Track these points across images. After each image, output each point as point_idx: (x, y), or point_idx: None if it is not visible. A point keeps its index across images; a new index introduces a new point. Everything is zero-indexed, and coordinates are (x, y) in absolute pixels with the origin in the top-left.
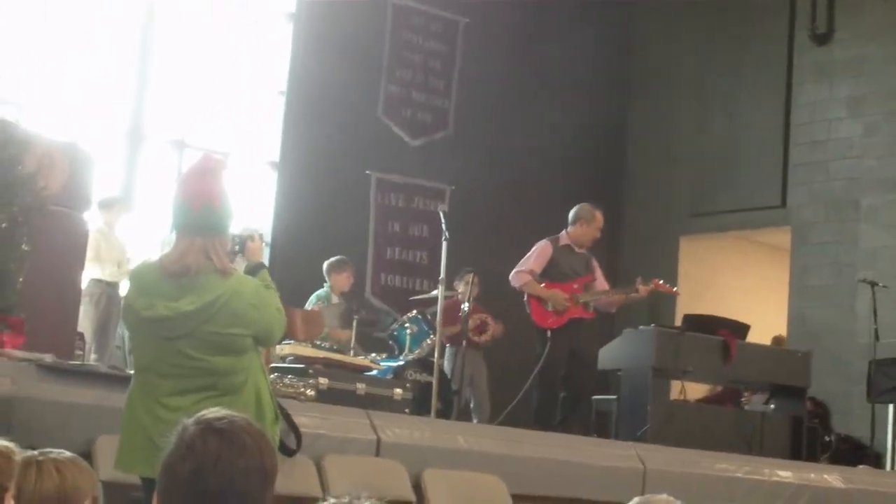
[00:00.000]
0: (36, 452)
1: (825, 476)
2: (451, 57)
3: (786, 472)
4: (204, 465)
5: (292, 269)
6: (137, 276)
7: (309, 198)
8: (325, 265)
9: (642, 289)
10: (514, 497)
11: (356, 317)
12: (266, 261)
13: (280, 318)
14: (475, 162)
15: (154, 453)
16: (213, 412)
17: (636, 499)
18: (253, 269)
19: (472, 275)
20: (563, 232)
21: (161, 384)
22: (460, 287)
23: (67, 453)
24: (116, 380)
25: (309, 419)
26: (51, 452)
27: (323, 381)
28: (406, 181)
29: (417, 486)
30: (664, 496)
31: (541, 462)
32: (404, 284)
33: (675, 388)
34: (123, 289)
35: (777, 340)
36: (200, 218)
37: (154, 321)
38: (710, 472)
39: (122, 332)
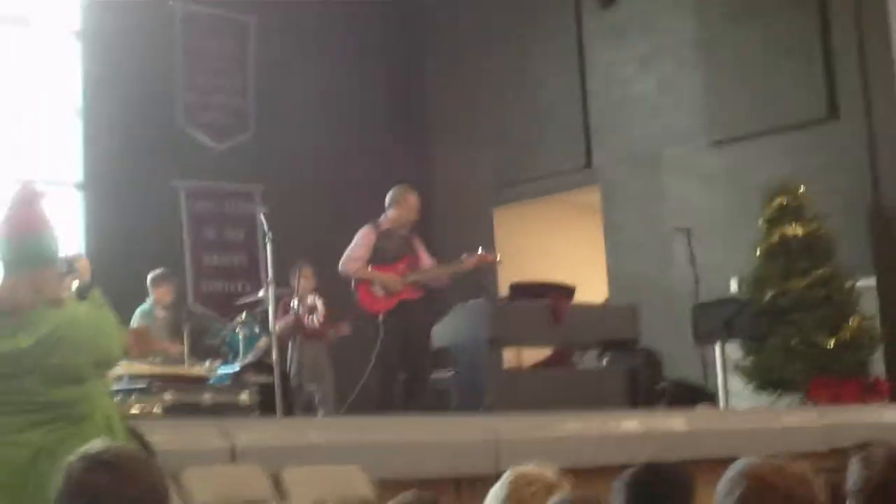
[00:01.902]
0: None
1: (668, 421)
2: (244, 58)
3: (632, 423)
4: (96, 499)
5: (111, 289)
6: None
7: (118, 214)
8: (148, 280)
9: (468, 261)
10: (376, 483)
11: (185, 327)
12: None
13: (118, 339)
14: (281, 160)
15: (14, 492)
16: (94, 447)
17: (505, 475)
18: (84, 290)
19: (302, 268)
20: (382, 216)
21: (10, 422)
22: (294, 282)
23: None
24: None
25: (160, 436)
26: None
27: (167, 396)
28: (215, 186)
29: (278, 487)
30: (531, 466)
31: (396, 445)
32: (226, 289)
33: (510, 358)
34: None
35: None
36: (26, 251)
37: None
38: (561, 433)
39: None
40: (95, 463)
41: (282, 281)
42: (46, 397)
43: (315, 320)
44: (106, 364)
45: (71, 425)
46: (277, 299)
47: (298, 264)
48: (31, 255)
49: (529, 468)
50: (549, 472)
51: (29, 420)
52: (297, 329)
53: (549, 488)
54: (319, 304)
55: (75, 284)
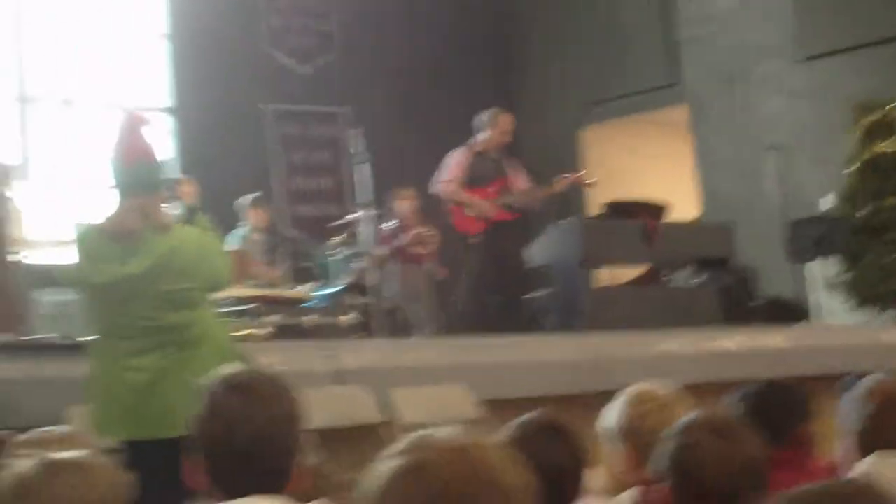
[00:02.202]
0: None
1: (767, 338)
2: None
3: (731, 340)
4: (233, 422)
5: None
6: (81, 243)
7: (208, 139)
8: (241, 203)
9: (560, 183)
10: (482, 403)
11: (282, 250)
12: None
13: (226, 263)
14: (367, 81)
15: (127, 415)
16: (229, 370)
17: (624, 392)
18: (189, 214)
19: (412, 191)
20: (476, 138)
21: (122, 347)
22: (403, 205)
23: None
24: (72, 349)
25: (267, 359)
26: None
27: (272, 319)
28: (302, 109)
29: (386, 408)
30: (650, 383)
31: (498, 366)
32: (315, 213)
33: (600, 278)
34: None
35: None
36: (136, 177)
37: (105, 287)
38: (661, 351)
39: (42, 300)
40: (231, 386)
41: (375, 203)
42: (159, 322)
43: (416, 243)
44: (215, 288)
45: (185, 349)
46: (374, 221)
47: (400, 187)
48: (140, 182)
49: (649, 385)
50: (668, 389)
51: (144, 344)
52: (396, 252)
53: (670, 404)
54: (420, 227)
55: (178, 209)
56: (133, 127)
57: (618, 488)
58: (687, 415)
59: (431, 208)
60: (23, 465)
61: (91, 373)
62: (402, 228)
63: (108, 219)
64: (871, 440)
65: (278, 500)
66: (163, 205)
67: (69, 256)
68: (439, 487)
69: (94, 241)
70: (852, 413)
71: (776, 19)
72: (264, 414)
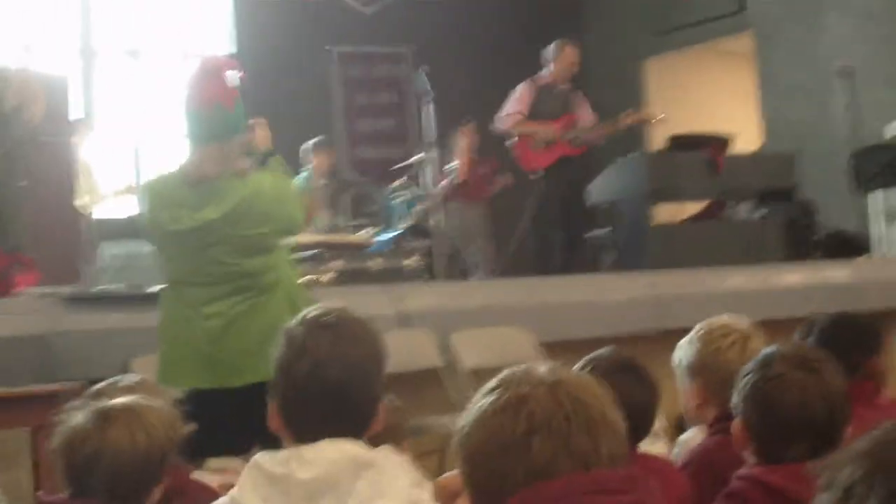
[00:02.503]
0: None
1: (832, 273)
2: None
3: (793, 276)
4: (320, 361)
5: None
6: (156, 190)
7: (272, 82)
8: (304, 148)
9: (629, 118)
10: (543, 345)
11: (345, 195)
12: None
13: (300, 207)
14: (431, 20)
15: (199, 362)
16: (315, 310)
17: (699, 326)
18: (264, 158)
19: (470, 127)
20: (543, 71)
21: (196, 293)
22: (462, 142)
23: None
24: (139, 299)
25: (332, 303)
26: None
27: (336, 263)
28: (366, 50)
29: (447, 351)
30: (726, 317)
31: (559, 307)
32: (379, 155)
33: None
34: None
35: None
36: (211, 123)
37: (181, 233)
38: (724, 288)
39: (106, 253)
40: (318, 326)
41: (439, 143)
42: (236, 268)
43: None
44: (290, 232)
45: (259, 295)
46: (436, 162)
47: (462, 123)
48: (218, 128)
49: (724, 319)
50: (743, 323)
51: (213, 292)
52: (455, 191)
53: (745, 339)
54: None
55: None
56: (210, 72)
57: (689, 424)
58: (763, 349)
59: (497, 146)
60: (78, 415)
61: (162, 320)
62: (460, 165)
63: (185, 165)
64: None
65: (358, 444)
66: (241, 150)
67: (137, 207)
68: (539, 420)
69: (171, 188)
70: None
71: None
72: (354, 352)
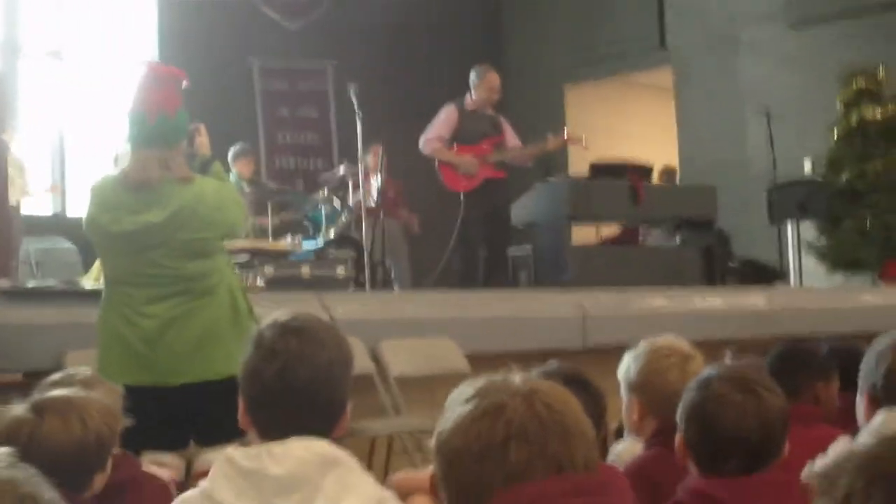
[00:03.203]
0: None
1: (749, 298)
2: None
3: (714, 299)
4: (288, 365)
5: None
6: (99, 192)
7: (193, 91)
8: (229, 154)
9: (552, 141)
10: (469, 357)
11: (270, 202)
12: None
13: (241, 212)
14: (354, 37)
15: (135, 360)
16: (282, 314)
17: (642, 343)
18: (205, 164)
19: (379, 147)
20: (467, 95)
21: (136, 294)
22: (369, 160)
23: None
24: (74, 296)
25: (263, 308)
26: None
27: (268, 269)
28: (288, 64)
29: (375, 359)
30: (667, 337)
31: (487, 320)
32: (299, 166)
33: (586, 234)
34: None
35: (666, 171)
36: (156, 129)
37: (122, 235)
38: (645, 309)
39: (26, 248)
40: (286, 329)
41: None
42: (176, 271)
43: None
44: (231, 236)
45: (198, 298)
46: (361, 176)
47: (374, 143)
48: (160, 133)
49: (668, 339)
50: (685, 344)
51: (158, 293)
52: (378, 207)
53: (686, 359)
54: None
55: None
56: (156, 78)
57: (628, 435)
58: (702, 370)
59: (424, 164)
60: (16, 407)
61: (100, 319)
62: (366, 181)
63: (127, 169)
64: (886, 396)
65: (326, 443)
66: (181, 155)
67: (58, 204)
68: (516, 428)
69: (112, 190)
70: (873, 367)
71: None
72: (322, 355)
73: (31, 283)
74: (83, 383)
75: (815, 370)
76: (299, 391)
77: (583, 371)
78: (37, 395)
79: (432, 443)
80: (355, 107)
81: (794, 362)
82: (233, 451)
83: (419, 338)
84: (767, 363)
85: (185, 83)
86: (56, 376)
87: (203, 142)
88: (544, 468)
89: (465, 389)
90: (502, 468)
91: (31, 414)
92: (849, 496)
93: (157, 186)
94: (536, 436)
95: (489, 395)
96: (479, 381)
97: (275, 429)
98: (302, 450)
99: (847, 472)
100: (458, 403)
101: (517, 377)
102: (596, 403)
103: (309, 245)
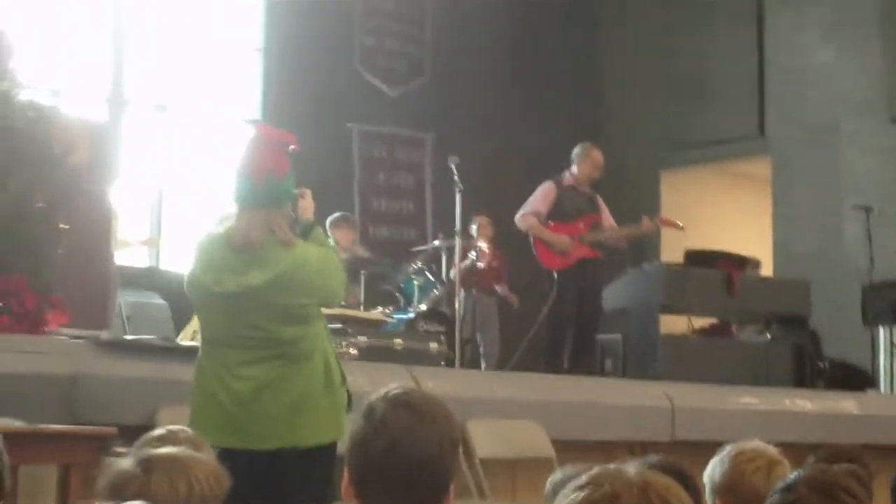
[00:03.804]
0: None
1: (840, 403)
2: (423, 3)
3: (804, 401)
4: (399, 440)
5: None
6: (203, 251)
7: (293, 156)
8: (327, 222)
9: (648, 224)
10: (553, 443)
11: (364, 272)
12: None
13: (341, 279)
14: (454, 108)
15: (226, 422)
16: (395, 389)
17: (728, 446)
18: (307, 229)
19: (485, 217)
20: (567, 172)
21: (231, 355)
22: (475, 230)
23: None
24: (170, 352)
25: (353, 378)
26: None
27: (362, 338)
28: (387, 131)
29: (463, 438)
30: (754, 441)
31: (575, 405)
32: (392, 235)
33: (677, 323)
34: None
35: (752, 263)
36: (263, 191)
37: (223, 296)
38: (735, 406)
39: (118, 301)
40: (398, 403)
41: (462, 233)
42: (274, 335)
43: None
44: (331, 304)
45: (293, 363)
46: (457, 250)
47: (476, 216)
48: (266, 196)
49: (755, 443)
50: (772, 449)
51: (254, 356)
52: (470, 279)
53: (772, 464)
54: (491, 254)
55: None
56: (267, 140)
57: None
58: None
59: (519, 241)
60: (123, 461)
61: (196, 378)
62: (479, 252)
63: (232, 229)
64: None
65: None
66: (285, 219)
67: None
68: None
69: (216, 249)
70: None
71: (869, 77)
72: (433, 434)
73: (130, 336)
74: (190, 442)
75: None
76: (408, 468)
77: (684, 465)
78: (144, 451)
79: None
80: (455, 177)
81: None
82: None
83: (505, 419)
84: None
85: (293, 147)
86: (159, 431)
87: (307, 206)
88: None
89: (573, 474)
90: None
91: (138, 469)
92: None
93: (260, 249)
94: None
95: (604, 484)
96: (592, 470)
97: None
98: None
99: None
100: (570, 490)
101: (631, 467)
102: (696, 499)
103: (399, 316)
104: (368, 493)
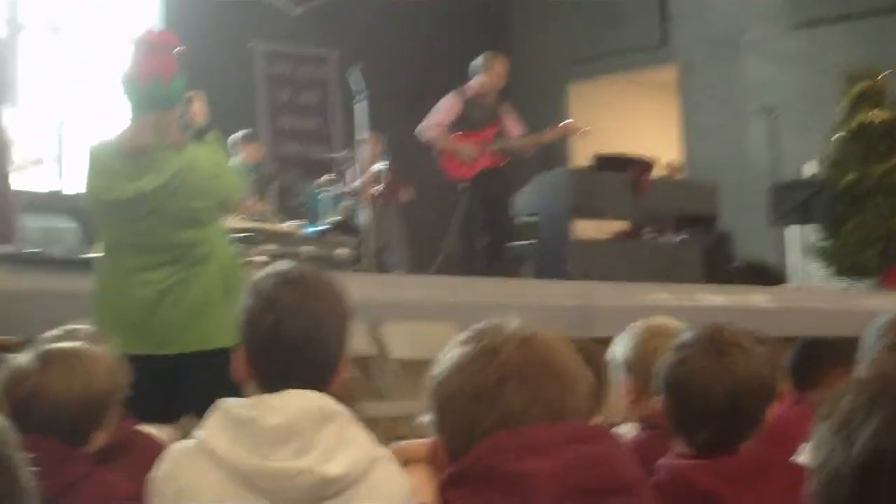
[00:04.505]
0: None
1: (752, 297)
2: None
3: (716, 296)
4: (286, 314)
5: None
6: (94, 158)
7: (196, 73)
8: (233, 139)
9: (553, 131)
10: None
11: (272, 186)
12: None
13: (237, 181)
14: (358, 26)
15: (130, 329)
16: (282, 265)
17: (636, 325)
18: (200, 133)
19: (375, 136)
20: (469, 83)
21: (129, 262)
22: (367, 150)
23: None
24: (73, 264)
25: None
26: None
27: (270, 247)
28: (291, 50)
29: (376, 341)
30: (663, 317)
31: (490, 307)
32: (300, 153)
33: (588, 228)
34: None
35: (671, 166)
36: (150, 94)
37: (116, 203)
38: (649, 303)
39: (24, 226)
40: (284, 279)
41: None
42: (169, 239)
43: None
44: (226, 206)
45: (192, 266)
46: (364, 160)
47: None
48: (156, 99)
49: (661, 318)
50: (677, 322)
51: (153, 260)
52: (383, 193)
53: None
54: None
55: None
56: (151, 45)
57: (624, 420)
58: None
59: (424, 153)
60: (21, 357)
61: (96, 287)
62: (363, 171)
63: (121, 135)
64: None
65: (324, 396)
66: (178, 122)
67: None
68: (511, 369)
69: (107, 156)
70: (876, 339)
71: None
72: (320, 307)
73: (30, 250)
74: (89, 338)
75: (835, 360)
76: (296, 342)
77: (591, 344)
78: (41, 346)
79: (427, 386)
80: (362, 87)
81: (813, 352)
82: (227, 402)
83: (420, 322)
84: (789, 357)
85: (179, 49)
86: (58, 331)
87: (200, 110)
88: (539, 413)
89: (463, 333)
90: (496, 410)
91: (35, 364)
92: (852, 412)
93: (151, 153)
94: (532, 378)
95: (485, 338)
96: (477, 325)
97: (272, 380)
98: (300, 401)
99: (849, 392)
100: (452, 346)
101: (514, 321)
102: (599, 374)
103: (311, 229)
104: (259, 369)
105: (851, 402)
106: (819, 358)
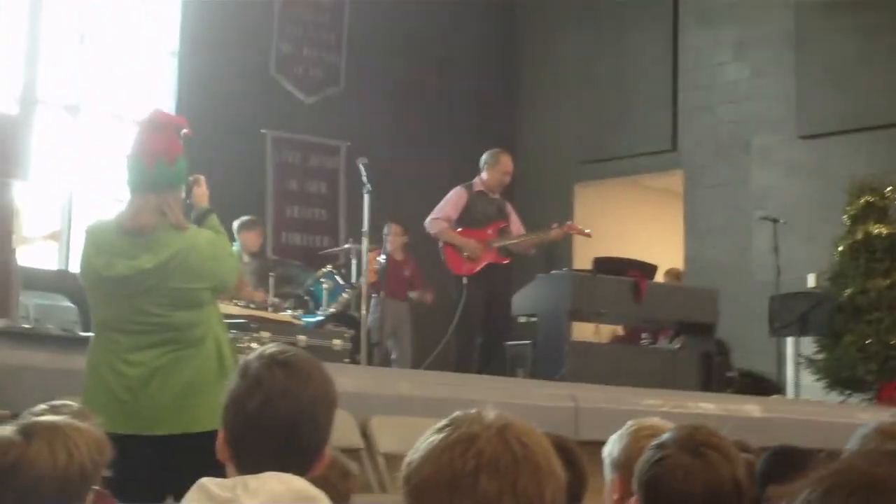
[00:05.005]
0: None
1: (744, 406)
2: (341, 11)
3: (708, 404)
4: (272, 397)
5: None
6: (94, 235)
7: (205, 158)
8: (235, 225)
9: (556, 231)
10: None
11: (272, 274)
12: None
13: (234, 265)
14: (369, 117)
15: (118, 408)
16: (272, 347)
17: (627, 425)
18: (201, 216)
19: (391, 225)
20: (477, 178)
21: (123, 340)
22: (388, 239)
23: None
24: (69, 341)
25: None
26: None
27: (265, 334)
28: (302, 139)
29: (365, 434)
30: (654, 419)
31: (479, 404)
32: (305, 242)
33: (586, 331)
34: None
35: (672, 273)
36: (153, 175)
37: (114, 280)
38: (638, 408)
39: (25, 303)
40: (273, 361)
41: (370, 236)
42: (164, 319)
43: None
44: (223, 289)
45: (184, 348)
46: (364, 253)
47: (388, 222)
48: (157, 179)
49: (654, 420)
50: (669, 424)
51: (140, 341)
52: (380, 285)
53: None
54: (403, 261)
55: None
56: (156, 125)
57: None
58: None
59: (430, 246)
60: (4, 428)
61: (88, 362)
62: (388, 260)
63: (122, 214)
64: None
65: (303, 480)
66: (180, 204)
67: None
68: (487, 459)
69: (107, 234)
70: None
71: (779, 95)
72: (307, 392)
73: (27, 325)
74: (74, 414)
75: (807, 469)
76: (280, 426)
77: (566, 438)
78: (26, 418)
79: (402, 472)
80: (363, 178)
81: (788, 463)
82: (207, 481)
83: (410, 416)
84: (760, 463)
85: (185, 131)
86: (45, 405)
87: (202, 193)
88: (513, 503)
89: (441, 421)
90: (470, 499)
91: (18, 436)
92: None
93: (151, 233)
94: (507, 469)
95: (462, 426)
96: (454, 413)
97: (252, 462)
98: (277, 484)
99: (808, 485)
100: (430, 433)
101: (492, 412)
102: (578, 472)
103: (308, 319)
104: (241, 451)
105: (807, 496)
106: (791, 466)
